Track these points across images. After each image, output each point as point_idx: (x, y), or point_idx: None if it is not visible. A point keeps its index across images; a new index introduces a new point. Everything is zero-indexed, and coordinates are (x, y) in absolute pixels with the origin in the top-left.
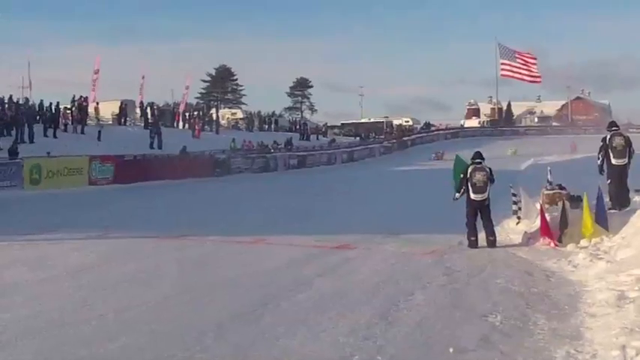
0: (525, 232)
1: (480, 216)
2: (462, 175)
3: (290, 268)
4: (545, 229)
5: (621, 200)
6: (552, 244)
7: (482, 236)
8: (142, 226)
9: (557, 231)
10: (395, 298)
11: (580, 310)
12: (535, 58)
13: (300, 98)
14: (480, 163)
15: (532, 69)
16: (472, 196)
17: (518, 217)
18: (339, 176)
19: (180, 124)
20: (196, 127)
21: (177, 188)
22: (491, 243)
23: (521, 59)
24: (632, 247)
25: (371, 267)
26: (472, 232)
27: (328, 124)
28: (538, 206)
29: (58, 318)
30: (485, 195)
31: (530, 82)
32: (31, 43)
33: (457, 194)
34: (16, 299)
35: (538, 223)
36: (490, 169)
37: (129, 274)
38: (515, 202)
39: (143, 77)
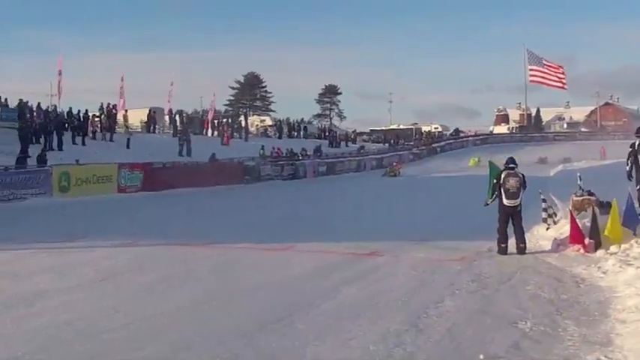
0: (555, 238)
1: (511, 222)
2: (494, 181)
3: (319, 276)
4: (575, 236)
5: None
6: (582, 251)
7: (512, 243)
8: (170, 233)
9: (587, 237)
10: (424, 305)
11: (610, 317)
12: (560, 67)
13: (329, 105)
14: (513, 168)
15: (559, 76)
16: (504, 201)
17: (548, 224)
18: (367, 183)
19: (209, 131)
20: (225, 135)
21: (206, 195)
22: (522, 250)
23: (549, 66)
24: None
25: (400, 274)
26: (503, 238)
27: (357, 131)
28: (568, 212)
29: (87, 326)
30: (518, 201)
31: (558, 88)
32: (60, 51)
33: (490, 199)
34: (45, 307)
35: (567, 229)
36: (523, 175)
37: (157, 281)
38: (545, 209)
39: (172, 84)
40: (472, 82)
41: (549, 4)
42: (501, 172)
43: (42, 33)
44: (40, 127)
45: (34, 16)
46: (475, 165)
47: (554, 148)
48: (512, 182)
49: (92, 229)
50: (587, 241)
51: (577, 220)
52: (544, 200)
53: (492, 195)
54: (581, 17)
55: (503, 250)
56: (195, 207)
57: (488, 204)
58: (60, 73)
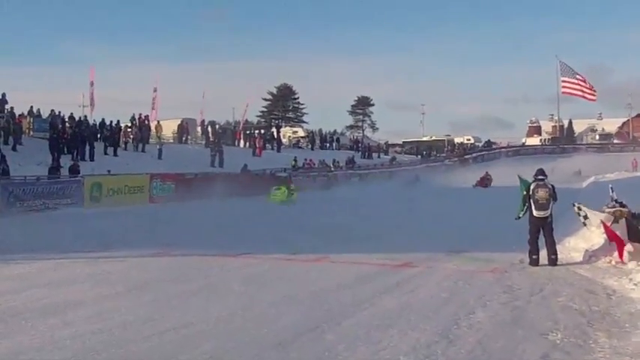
0: (586, 249)
1: (542, 233)
2: (524, 192)
3: (352, 286)
4: (616, 240)
5: None
6: (614, 262)
7: (543, 254)
8: (202, 243)
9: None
10: (456, 316)
11: None
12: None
13: (361, 116)
14: (543, 179)
15: (590, 88)
16: (534, 212)
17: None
18: (399, 194)
19: (242, 142)
20: (257, 146)
21: (237, 206)
22: (553, 261)
23: (581, 78)
24: None
25: (432, 285)
26: (534, 249)
27: (389, 143)
28: (600, 222)
29: (120, 335)
30: (548, 212)
31: (589, 99)
32: (92, 62)
33: (521, 212)
34: (78, 316)
35: (599, 241)
36: (553, 186)
37: (190, 291)
38: (583, 217)
39: (203, 96)
40: (506, 93)
41: (584, 13)
42: (530, 183)
43: (75, 44)
44: (72, 137)
45: (67, 27)
46: (281, 198)
47: (585, 160)
48: (541, 193)
49: (124, 240)
50: (628, 246)
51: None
52: (579, 208)
53: (523, 207)
54: (614, 27)
55: (534, 262)
56: (227, 217)
57: (520, 217)
58: (92, 84)
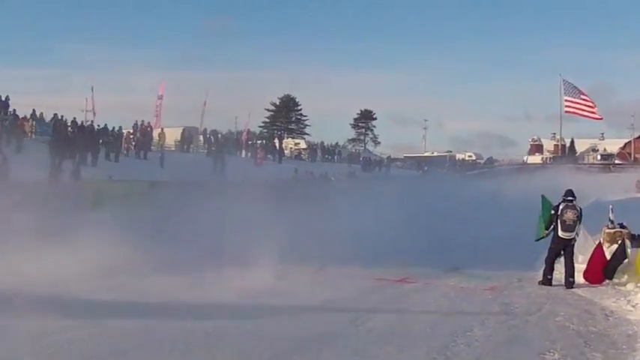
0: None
1: (562, 255)
2: (552, 212)
3: (350, 301)
4: (590, 271)
5: None
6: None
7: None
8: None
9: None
10: (453, 333)
11: (638, 350)
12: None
13: (363, 130)
14: (572, 201)
15: (594, 109)
16: (560, 233)
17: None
18: (400, 209)
19: (243, 152)
20: (259, 156)
21: (238, 215)
22: (570, 284)
23: (585, 98)
24: None
25: (430, 301)
26: (549, 269)
27: (391, 157)
28: (595, 244)
29: None
30: (573, 234)
31: (594, 118)
32: (95, 67)
33: (546, 231)
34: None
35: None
36: (581, 208)
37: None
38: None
39: (205, 104)
40: (508, 110)
41: (588, 33)
42: (559, 203)
43: (79, 48)
44: (74, 142)
45: (70, 31)
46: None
47: (587, 180)
48: (569, 214)
49: None
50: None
51: (605, 253)
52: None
53: (549, 227)
54: (619, 46)
55: (548, 282)
56: (221, 227)
57: (544, 236)
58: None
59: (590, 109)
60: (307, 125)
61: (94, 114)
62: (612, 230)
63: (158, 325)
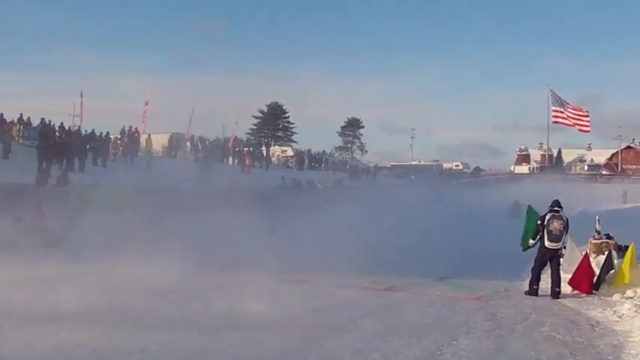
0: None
1: (548, 265)
2: (538, 222)
3: (335, 309)
4: (576, 279)
5: None
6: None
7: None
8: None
9: (588, 280)
10: (439, 343)
11: None
12: (586, 111)
13: (350, 138)
14: (559, 211)
15: (583, 120)
16: (547, 243)
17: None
18: (388, 217)
19: (230, 159)
20: (246, 163)
21: (224, 223)
22: (556, 294)
23: (573, 109)
24: None
25: (416, 311)
26: (536, 279)
27: (378, 165)
28: (582, 255)
29: None
30: (560, 244)
31: (580, 131)
32: (83, 71)
33: (532, 241)
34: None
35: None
36: (567, 218)
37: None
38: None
39: (192, 111)
40: (497, 120)
41: (577, 44)
42: (546, 214)
43: (67, 52)
44: (62, 147)
45: (60, 35)
46: None
47: (574, 191)
48: (556, 225)
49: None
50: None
51: (591, 264)
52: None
53: (535, 237)
54: (607, 57)
55: (534, 292)
56: (211, 234)
57: (530, 246)
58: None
59: (578, 120)
60: (294, 133)
61: (81, 118)
62: (599, 241)
63: (128, 338)
